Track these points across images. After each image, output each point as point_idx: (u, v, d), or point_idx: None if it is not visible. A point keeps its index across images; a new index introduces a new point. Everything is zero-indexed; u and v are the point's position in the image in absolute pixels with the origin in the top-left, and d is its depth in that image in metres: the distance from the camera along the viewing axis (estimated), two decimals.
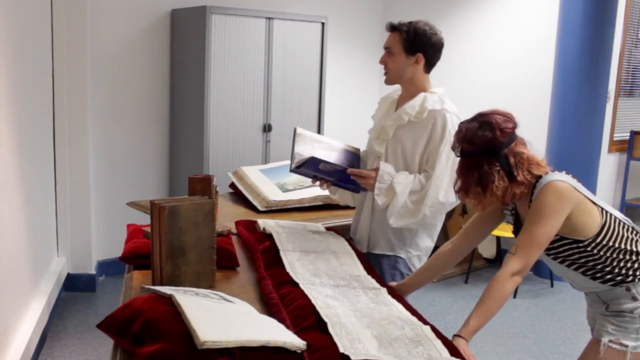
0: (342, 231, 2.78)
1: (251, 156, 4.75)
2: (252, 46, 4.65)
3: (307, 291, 1.90)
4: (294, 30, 4.84)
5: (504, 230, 4.66)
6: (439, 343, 1.62)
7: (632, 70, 6.02)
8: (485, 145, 1.95)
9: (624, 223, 2.07)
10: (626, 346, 2.01)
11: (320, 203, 3.32)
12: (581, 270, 2.05)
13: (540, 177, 1.99)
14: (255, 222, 2.71)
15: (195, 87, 4.56)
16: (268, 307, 1.90)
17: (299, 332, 1.65)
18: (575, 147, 4.89)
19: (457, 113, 2.46)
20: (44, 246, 4.06)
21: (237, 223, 2.80)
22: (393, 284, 2.31)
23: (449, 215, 5.23)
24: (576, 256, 2.03)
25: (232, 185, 3.62)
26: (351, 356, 1.46)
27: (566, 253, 2.04)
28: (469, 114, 2.10)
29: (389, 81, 2.56)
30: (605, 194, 5.67)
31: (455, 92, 5.56)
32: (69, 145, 4.38)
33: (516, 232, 2.15)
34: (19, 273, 3.29)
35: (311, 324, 1.68)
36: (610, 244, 2.01)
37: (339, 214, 3.18)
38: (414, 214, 2.41)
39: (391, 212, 2.41)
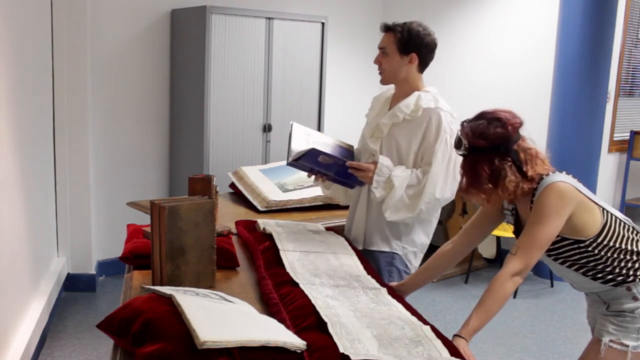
0: (342, 231, 2.78)
1: (251, 156, 4.75)
2: (252, 46, 4.65)
3: (307, 291, 1.90)
4: (294, 30, 4.84)
5: (504, 230, 4.66)
6: (439, 343, 1.62)
7: (632, 70, 6.02)
8: (498, 140, 1.96)
9: (625, 223, 2.07)
10: (627, 346, 2.02)
11: (320, 203, 3.32)
12: (582, 271, 2.05)
13: (541, 178, 2.00)
14: (255, 222, 2.71)
15: (195, 87, 4.56)
16: (268, 307, 1.90)
17: (299, 332, 1.65)
18: (575, 147, 4.89)
19: (450, 111, 2.51)
20: (44, 246, 4.05)
21: (237, 223, 2.80)
22: (393, 284, 2.32)
23: (449, 215, 5.24)
24: (577, 257, 2.03)
25: (232, 185, 3.62)
26: (351, 356, 1.46)
27: (567, 254, 2.04)
28: (469, 114, 2.10)
29: (384, 81, 2.60)
30: (605, 194, 5.67)
31: (455, 92, 5.59)
32: (69, 145, 4.38)
33: (516, 232, 2.15)
34: (19, 273, 3.29)
35: (311, 324, 1.68)
36: (611, 244, 2.01)
37: (339, 214, 3.18)
38: (410, 208, 2.45)
39: (387, 205, 2.45)
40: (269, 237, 2.48)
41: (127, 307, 1.67)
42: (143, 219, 2.56)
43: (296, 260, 2.24)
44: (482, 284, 4.96)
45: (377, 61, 2.57)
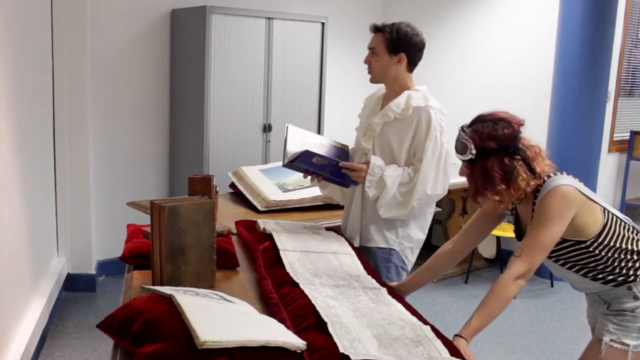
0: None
1: (251, 156, 4.75)
2: (252, 46, 4.65)
3: (307, 291, 1.90)
4: (294, 30, 4.84)
5: (504, 230, 4.66)
6: (439, 343, 1.62)
7: (632, 70, 6.02)
8: (507, 140, 1.96)
9: (625, 223, 2.07)
10: (627, 345, 2.01)
11: (320, 203, 3.33)
12: (582, 272, 2.05)
13: (544, 179, 2.00)
14: (255, 222, 2.72)
15: (195, 87, 4.56)
16: (268, 307, 1.90)
17: (299, 332, 1.65)
18: (575, 147, 4.89)
19: (440, 109, 2.56)
20: (44, 246, 4.05)
21: (237, 223, 2.80)
22: (393, 284, 2.33)
23: (449, 215, 5.23)
24: (578, 258, 2.03)
25: (232, 185, 3.62)
26: (351, 356, 1.46)
27: (568, 255, 2.04)
28: (469, 114, 2.10)
29: (373, 80, 2.68)
30: (605, 194, 5.67)
31: (455, 92, 5.60)
32: (69, 145, 4.38)
33: (516, 232, 2.15)
34: (19, 273, 3.29)
35: (311, 324, 1.68)
36: (612, 243, 2.01)
37: (339, 214, 3.17)
38: (403, 205, 2.51)
39: (381, 203, 2.52)
40: (269, 237, 2.48)
41: (127, 307, 1.67)
42: (143, 219, 2.56)
43: (296, 260, 2.24)
44: (482, 284, 4.96)
45: (367, 61, 2.66)
